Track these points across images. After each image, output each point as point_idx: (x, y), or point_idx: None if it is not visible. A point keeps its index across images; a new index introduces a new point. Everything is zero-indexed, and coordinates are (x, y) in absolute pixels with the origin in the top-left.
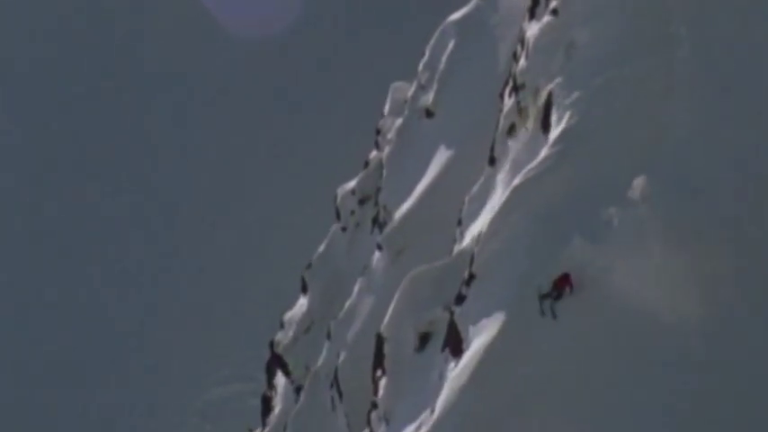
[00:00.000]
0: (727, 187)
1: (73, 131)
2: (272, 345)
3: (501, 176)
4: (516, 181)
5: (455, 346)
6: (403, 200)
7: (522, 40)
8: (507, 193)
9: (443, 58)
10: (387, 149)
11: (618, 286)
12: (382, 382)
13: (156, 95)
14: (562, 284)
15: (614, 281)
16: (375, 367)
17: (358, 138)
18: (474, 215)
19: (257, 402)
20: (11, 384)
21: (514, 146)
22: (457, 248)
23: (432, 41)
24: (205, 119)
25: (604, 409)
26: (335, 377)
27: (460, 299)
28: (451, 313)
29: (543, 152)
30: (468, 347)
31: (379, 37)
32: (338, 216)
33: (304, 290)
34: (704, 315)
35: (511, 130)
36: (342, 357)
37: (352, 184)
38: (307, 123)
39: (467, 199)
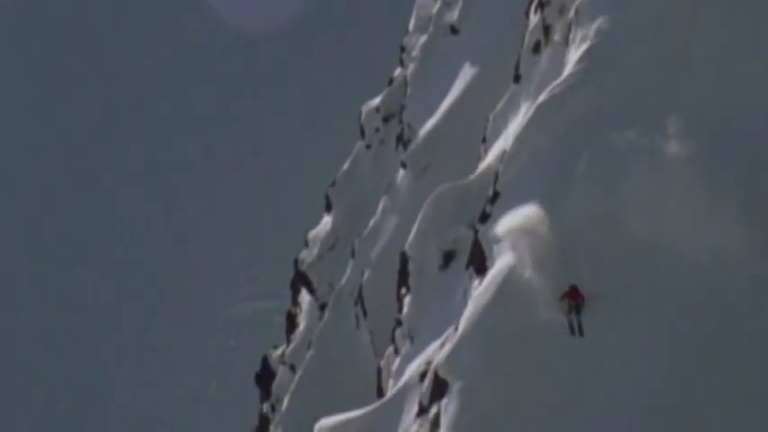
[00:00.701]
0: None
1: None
2: (296, 262)
3: (525, 94)
4: (541, 98)
5: (479, 264)
6: (427, 117)
7: None
8: (532, 110)
9: None
10: (411, 67)
11: (633, 218)
12: (406, 300)
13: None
14: (573, 297)
15: (630, 210)
16: (399, 285)
17: (382, 55)
18: (498, 133)
19: (282, 319)
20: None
21: (539, 63)
22: (481, 166)
23: None
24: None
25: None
26: (360, 295)
27: (485, 217)
28: (475, 231)
29: (568, 70)
30: (491, 265)
31: None
32: (362, 134)
33: (328, 208)
34: (723, 248)
35: (536, 47)
36: (366, 275)
37: (376, 101)
38: (331, 42)
39: (491, 116)
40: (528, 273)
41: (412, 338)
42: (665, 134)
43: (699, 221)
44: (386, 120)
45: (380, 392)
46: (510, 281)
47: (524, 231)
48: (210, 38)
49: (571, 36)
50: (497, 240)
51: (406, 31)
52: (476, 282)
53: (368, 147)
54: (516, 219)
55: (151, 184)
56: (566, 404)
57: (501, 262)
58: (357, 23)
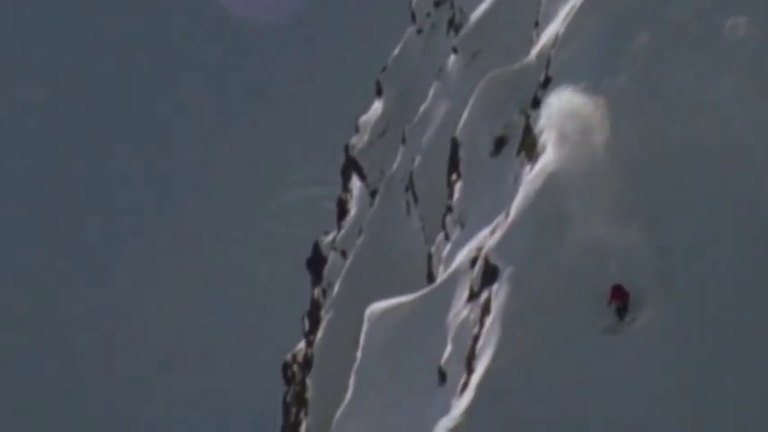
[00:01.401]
0: None
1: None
2: (347, 148)
3: None
4: None
5: (530, 149)
6: (479, 2)
7: None
8: None
9: None
10: None
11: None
12: (457, 186)
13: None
14: (619, 298)
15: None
16: (450, 171)
17: None
18: (551, 16)
19: (332, 206)
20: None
21: None
22: (533, 51)
23: None
24: None
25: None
26: (410, 181)
27: (536, 102)
28: (527, 117)
29: None
30: (542, 151)
31: None
32: (413, 18)
33: (379, 93)
34: None
35: None
36: (417, 161)
37: None
38: None
39: (544, 0)
40: (577, 158)
41: (462, 225)
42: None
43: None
44: (437, 4)
45: (431, 278)
46: (560, 166)
47: (574, 116)
48: None
49: None
50: (548, 125)
51: None
52: (527, 168)
53: (419, 32)
54: (566, 103)
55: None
56: None
57: (551, 148)
58: None
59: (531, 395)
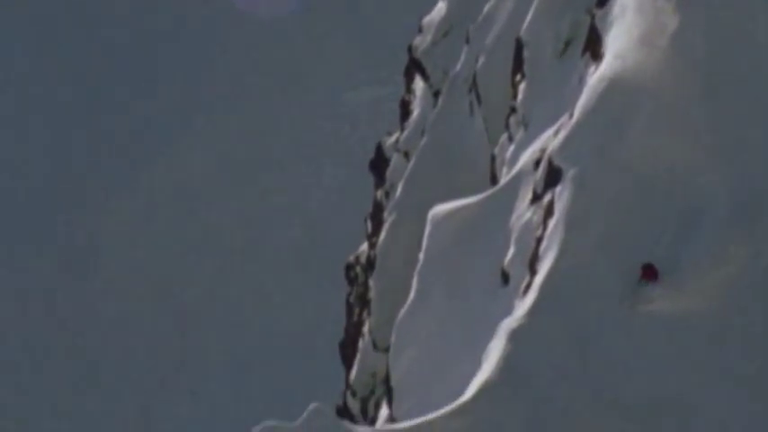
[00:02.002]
0: None
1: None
2: (410, 49)
3: None
4: None
5: (595, 50)
6: None
7: None
8: None
9: None
10: None
11: None
12: (521, 87)
13: None
14: (647, 276)
15: None
16: (514, 71)
17: None
18: None
19: (395, 107)
20: None
21: None
22: None
23: None
24: None
25: None
26: (474, 81)
27: (602, 1)
28: (592, 16)
29: None
30: (608, 51)
31: None
32: None
33: None
34: None
35: None
36: (480, 61)
37: None
38: None
39: None
40: (644, 59)
41: (526, 125)
42: None
43: None
44: None
45: (494, 180)
46: (626, 67)
47: (642, 16)
48: None
49: None
50: (613, 25)
51: None
52: (591, 68)
53: None
54: (633, 2)
55: None
56: None
57: (617, 48)
58: None
59: (592, 297)
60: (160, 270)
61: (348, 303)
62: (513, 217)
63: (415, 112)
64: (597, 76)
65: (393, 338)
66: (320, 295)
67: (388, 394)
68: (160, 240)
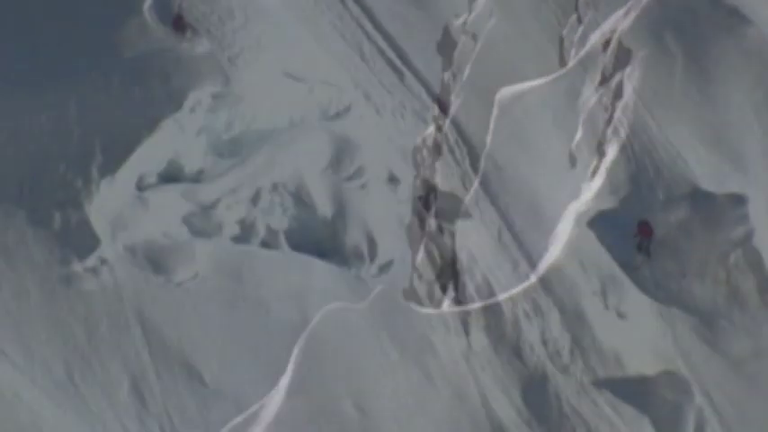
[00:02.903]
0: None
1: None
2: None
3: None
4: None
5: None
6: None
7: None
8: None
9: None
10: None
11: None
12: None
13: None
14: (642, 233)
15: None
16: None
17: None
18: None
19: None
20: None
21: None
22: None
23: None
24: None
25: None
26: None
27: None
28: None
29: None
30: None
31: None
32: None
33: None
34: None
35: None
36: None
37: None
38: None
39: None
40: None
41: (596, 6)
42: None
43: None
44: None
45: (562, 61)
46: None
47: None
48: None
49: None
50: None
51: None
52: None
53: None
54: None
55: None
56: None
57: None
58: None
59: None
60: None
61: (414, 186)
62: (581, 99)
63: None
64: None
65: (458, 224)
66: None
67: (455, 277)
68: None
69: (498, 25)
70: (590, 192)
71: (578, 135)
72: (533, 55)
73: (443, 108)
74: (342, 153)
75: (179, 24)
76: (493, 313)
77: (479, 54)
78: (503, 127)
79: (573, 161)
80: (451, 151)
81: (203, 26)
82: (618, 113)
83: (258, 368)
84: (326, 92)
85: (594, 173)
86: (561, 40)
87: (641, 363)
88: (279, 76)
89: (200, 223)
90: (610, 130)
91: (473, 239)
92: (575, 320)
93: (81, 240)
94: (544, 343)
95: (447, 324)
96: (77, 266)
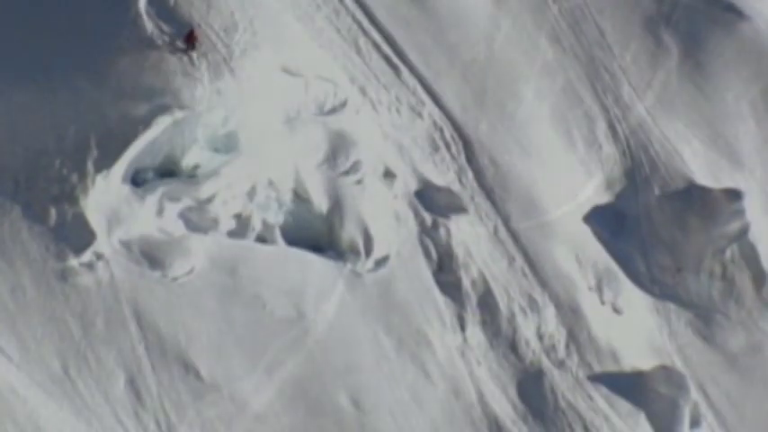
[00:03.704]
0: None
1: None
2: None
3: None
4: None
5: None
6: None
7: None
8: None
9: None
10: None
11: None
12: None
13: None
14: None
15: None
16: None
17: None
18: None
19: None
20: None
21: None
22: None
23: None
24: None
25: None
26: None
27: None
28: None
29: None
30: None
31: None
32: None
33: None
34: None
35: None
36: None
37: None
38: None
39: None
40: None
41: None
42: None
43: None
44: None
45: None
46: None
47: None
48: None
49: None
50: None
51: None
52: None
53: None
54: None
55: None
56: None
57: None
58: None
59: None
60: None
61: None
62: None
63: None
64: None
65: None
66: None
67: None
68: None
69: (496, 23)
70: (586, 187)
71: (574, 131)
72: (530, 51)
73: (439, 103)
74: (338, 148)
75: (190, 40)
76: (489, 308)
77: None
78: (498, 122)
79: (568, 156)
80: (447, 147)
81: (198, 20)
82: (613, 108)
83: (254, 363)
84: (322, 87)
85: (590, 168)
86: (558, 39)
87: (637, 357)
88: (275, 72)
89: (196, 218)
90: (605, 125)
91: (468, 234)
92: (570, 315)
93: (76, 235)
94: (540, 338)
95: (443, 319)
96: (73, 261)
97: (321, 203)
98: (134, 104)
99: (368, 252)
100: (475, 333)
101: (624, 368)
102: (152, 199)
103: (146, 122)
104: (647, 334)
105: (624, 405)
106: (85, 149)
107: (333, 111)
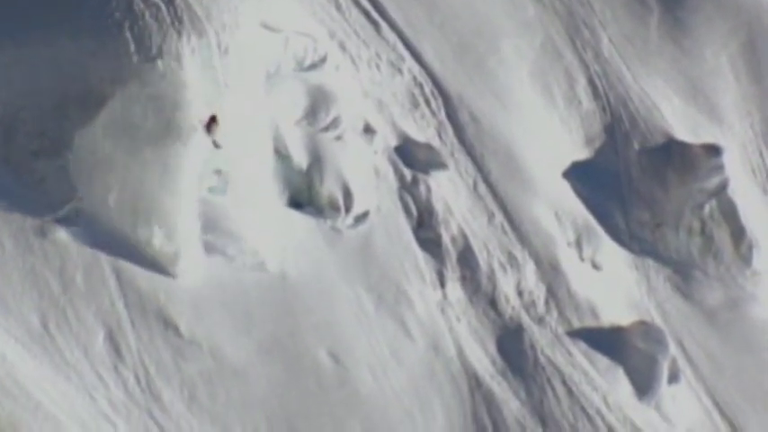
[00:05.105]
0: None
1: None
2: None
3: None
4: None
5: None
6: None
7: None
8: None
9: None
10: None
11: None
12: None
13: None
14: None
15: None
16: None
17: None
18: None
19: None
20: None
21: None
22: None
23: None
24: None
25: None
26: None
27: None
28: None
29: None
30: None
31: None
32: None
33: None
34: None
35: None
36: None
37: None
38: None
39: None
40: None
41: None
42: None
43: None
44: None
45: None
46: None
47: None
48: None
49: None
50: None
51: None
52: None
53: None
54: None
55: None
56: None
57: None
58: None
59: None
60: None
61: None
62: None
63: None
64: None
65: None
66: None
67: None
68: None
69: None
70: (565, 143)
71: (554, 87)
72: (509, 7)
73: (419, 59)
74: (317, 104)
75: (211, 127)
76: (468, 265)
77: (456, 6)
78: (479, 78)
79: (548, 112)
80: (427, 102)
81: None
82: (593, 65)
83: (233, 319)
84: (302, 42)
85: (570, 124)
86: None
87: (616, 313)
88: (254, 27)
89: None
90: (585, 82)
91: (448, 190)
92: (550, 271)
93: (56, 191)
94: (519, 294)
95: (423, 275)
96: (52, 217)
97: (301, 159)
98: (113, 60)
99: (347, 208)
100: (455, 289)
101: (603, 324)
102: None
103: (124, 77)
104: (626, 290)
105: (603, 360)
106: (65, 105)
107: (312, 66)
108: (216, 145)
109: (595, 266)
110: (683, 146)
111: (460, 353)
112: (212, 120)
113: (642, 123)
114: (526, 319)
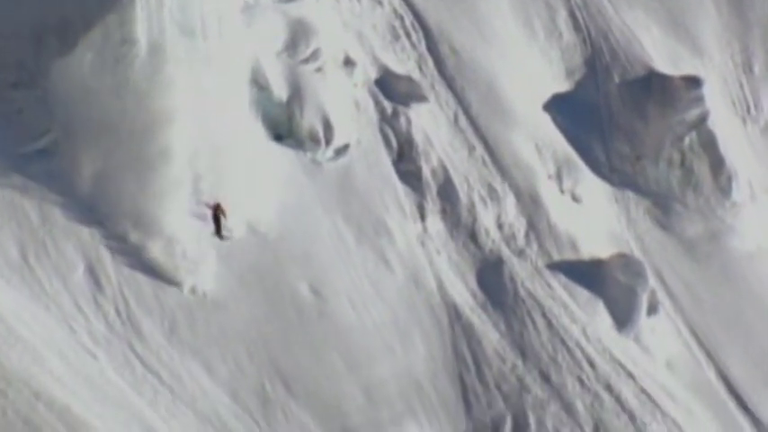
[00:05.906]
0: None
1: None
2: None
3: None
4: None
5: None
6: None
7: None
8: None
9: None
10: None
11: None
12: None
13: None
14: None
15: None
16: None
17: None
18: None
19: None
20: None
21: None
22: None
23: None
24: None
25: None
26: None
27: None
28: None
29: None
30: None
31: None
32: None
33: None
34: None
35: None
36: None
37: None
38: None
39: None
40: None
41: None
42: None
43: None
44: None
45: None
46: None
47: None
48: None
49: None
50: None
51: None
52: None
53: None
54: None
55: None
56: None
57: None
58: None
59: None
60: None
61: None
62: None
63: None
64: None
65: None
66: None
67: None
68: None
69: None
70: (546, 75)
71: (535, 19)
72: None
73: None
74: (297, 36)
75: (217, 218)
76: (449, 198)
77: None
78: (459, 10)
79: (529, 45)
80: (408, 35)
81: None
82: None
83: (213, 251)
84: None
85: (551, 57)
86: None
87: (595, 246)
88: None
89: None
90: (566, 14)
91: (429, 123)
92: (530, 204)
93: (35, 122)
94: (500, 227)
95: (403, 208)
96: (31, 148)
97: (281, 91)
98: None
99: (328, 140)
100: (435, 222)
101: (583, 256)
102: None
103: (105, 7)
104: (606, 222)
105: (582, 293)
106: (44, 35)
107: None
108: (221, 237)
109: (575, 199)
110: (664, 78)
111: (440, 286)
112: (217, 208)
113: (623, 55)
114: (506, 252)
